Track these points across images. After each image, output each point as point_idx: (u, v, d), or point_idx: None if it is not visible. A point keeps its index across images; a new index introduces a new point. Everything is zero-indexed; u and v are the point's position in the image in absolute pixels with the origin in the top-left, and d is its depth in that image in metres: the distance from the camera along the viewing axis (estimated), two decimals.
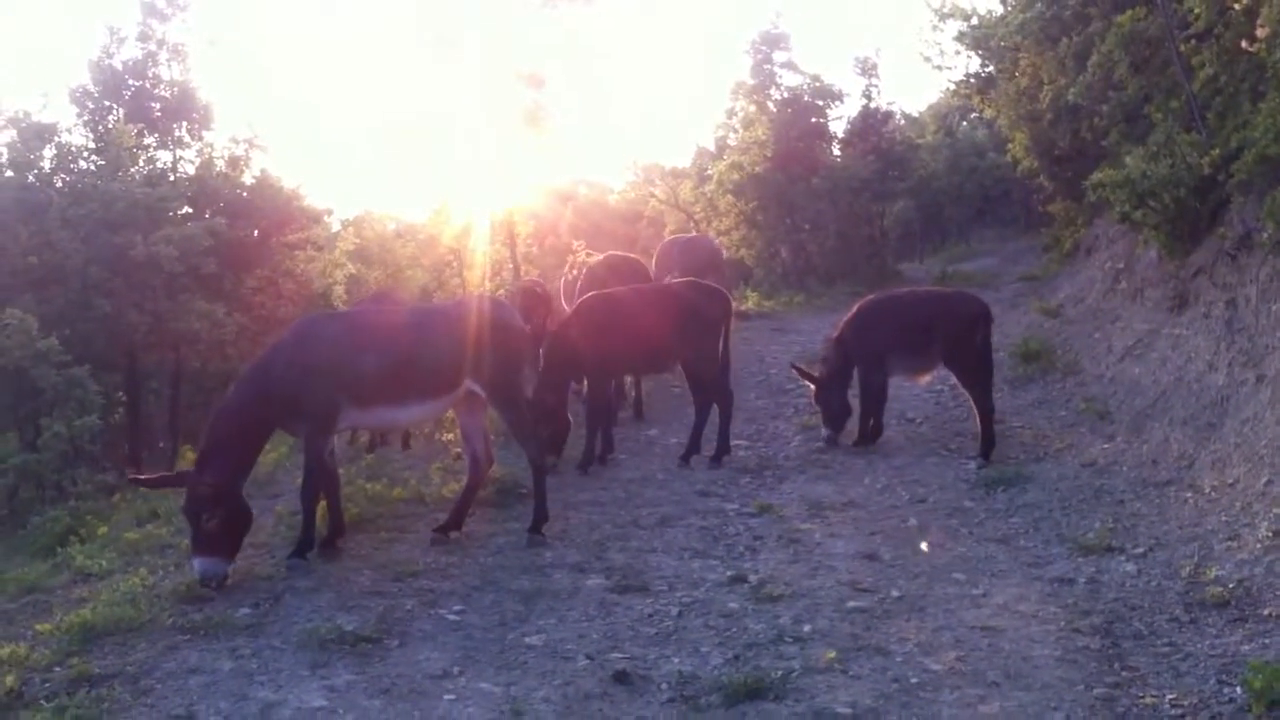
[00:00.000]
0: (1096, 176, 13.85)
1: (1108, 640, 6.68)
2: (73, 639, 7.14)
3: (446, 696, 6.24)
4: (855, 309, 12.53)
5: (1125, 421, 11.29)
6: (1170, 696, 5.84)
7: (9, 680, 6.45)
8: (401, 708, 6.11)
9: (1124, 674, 6.17)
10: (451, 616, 7.54)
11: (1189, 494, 9.00)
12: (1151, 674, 6.16)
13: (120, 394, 22.53)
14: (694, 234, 24.18)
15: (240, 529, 8.42)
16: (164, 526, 10.27)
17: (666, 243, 18.76)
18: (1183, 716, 5.62)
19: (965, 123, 40.46)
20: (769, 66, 28.79)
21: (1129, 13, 14.49)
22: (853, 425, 12.18)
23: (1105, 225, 17.31)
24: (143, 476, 10.07)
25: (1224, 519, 8.26)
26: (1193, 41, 13.12)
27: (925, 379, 12.31)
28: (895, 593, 7.70)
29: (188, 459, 13.55)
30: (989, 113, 24.65)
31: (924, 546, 8.34)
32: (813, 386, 12.34)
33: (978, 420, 11.42)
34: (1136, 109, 15.13)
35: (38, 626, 7.52)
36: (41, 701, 6.23)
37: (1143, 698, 5.85)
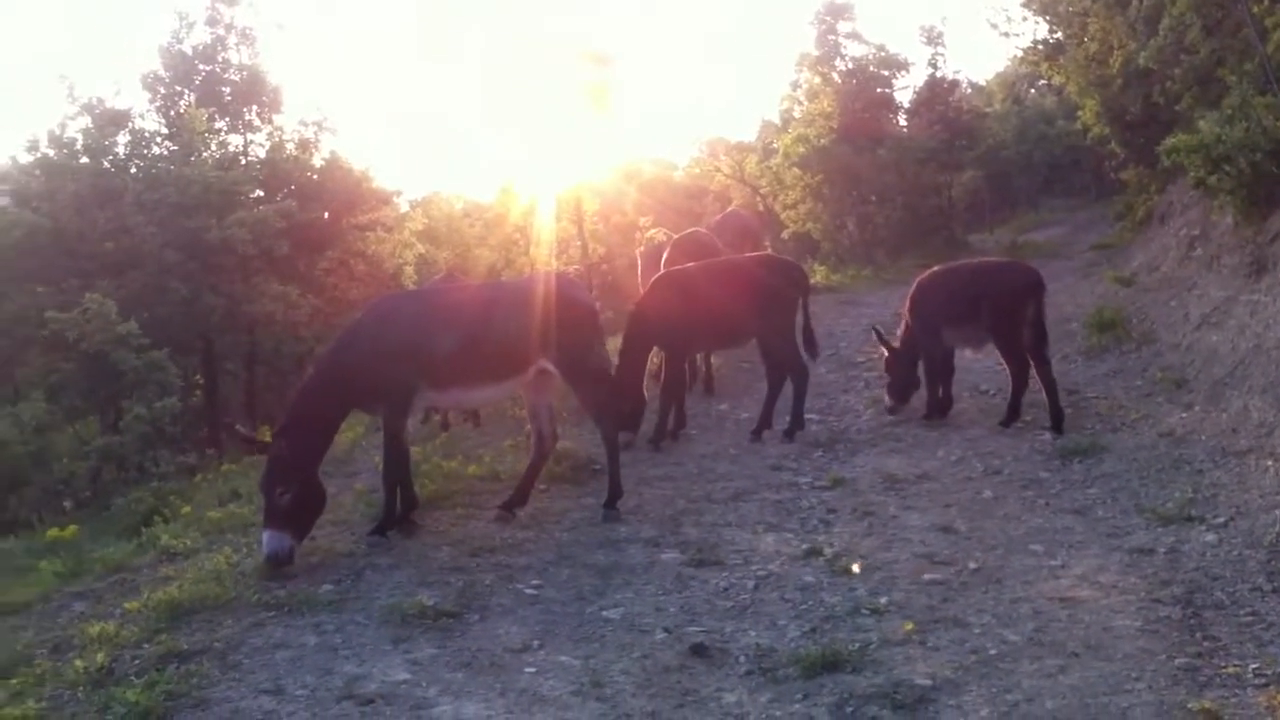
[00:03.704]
0: (1170, 142, 13.65)
1: (1189, 610, 6.61)
2: (160, 616, 7.27)
3: (527, 669, 6.33)
4: (915, 282, 12.52)
5: (1203, 390, 11.14)
6: (1253, 665, 5.78)
7: (99, 657, 6.59)
8: (484, 680, 6.20)
9: (1206, 644, 6.11)
10: (529, 591, 7.62)
11: (1270, 462, 8.86)
12: (1234, 643, 6.09)
13: (198, 376, 22.93)
14: (729, 210, 24.08)
15: (313, 508, 8.49)
16: (246, 505, 10.45)
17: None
18: (1266, 685, 5.56)
19: (1033, 90, 40.08)
20: (833, 37, 28.63)
21: None
22: (922, 398, 12.16)
23: (1179, 191, 17.06)
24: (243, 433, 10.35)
25: None
26: (1266, 2, 12.88)
27: (984, 350, 12.19)
28: (972, 565, 7.67)
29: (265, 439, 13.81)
30: (1058, 79, 24.37)
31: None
32: (886, 353, 12.33)
33: (1044, 393, 11.31)
34: (1209, 72, 14.90)
35: (126, 605, 7.65)
36: (132, 677, 6.37)
37: (1225, 667, 5.79)
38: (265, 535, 8.17)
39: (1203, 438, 10.01)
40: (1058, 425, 11.01)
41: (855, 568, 7.68)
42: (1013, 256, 20.65)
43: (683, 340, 11.82)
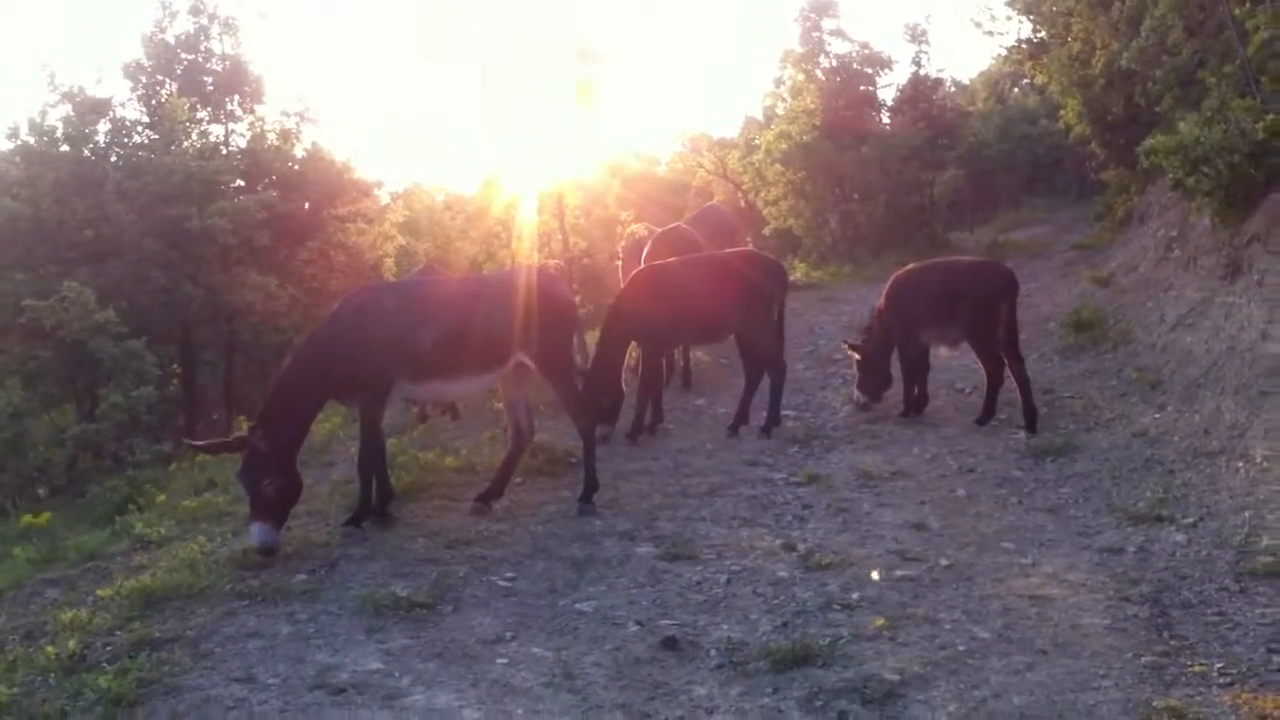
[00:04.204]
0: (1149, 143, 13.69)
1: (1156, 609, 6.68)
2: (133, 604, 7.29)
3: (499, 660, 6.36)
4: (890, 281, 12.62)
5: (1177, 391, 11.22)
6: (1219, 665, 5.84)
7: (71, 644, 6.60)
8: (456, 670, 6.22)
9: (1173, 642, 6.18)
10: (503, 583, 7.66)
11: (1240, 463, 8.94)
12: (1200, 642, 6.16)
13: (175, 365, 22.80)
14: (706, 205, 23.97)
15: (292, 498, 8.56)
16: (221, 495, 10.44)
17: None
18: (1231, 684, 5.62)
19: (1016, 89, 40.13)
20: (818, 34, 28.58)
21: None
22: (898, 396, 12.26)
23: (1158, 193, 17.14)
24: (200, 443, 10.19)
25: (1275, 489, 8.22)
26: (1247, 5, 12.95)
27: (959, 348, 12.29)
28: (944, 561, 7.73)
29: (243, 429, 13.79)
30: (1041, 79, 24.38)
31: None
32: (858, 357, 12.42)
33: (1018, 391, 11.41)
34: (1190, 74, 14.95)
35: (99, 592, 7.67)
36: (104, 664, 6.38)
37: (1191, 666, 5.85)
38: (255, 527, 8.20)
39: (1175, 438, 10.09)
40: (1031, 424, 11.09)
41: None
42: (993, 255, 20.74)
43: (660, 335, 11.84)
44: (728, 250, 13.71)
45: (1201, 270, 13.30)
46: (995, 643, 6.30)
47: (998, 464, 10.21)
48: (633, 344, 12.18)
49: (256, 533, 8.17)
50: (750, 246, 17.25)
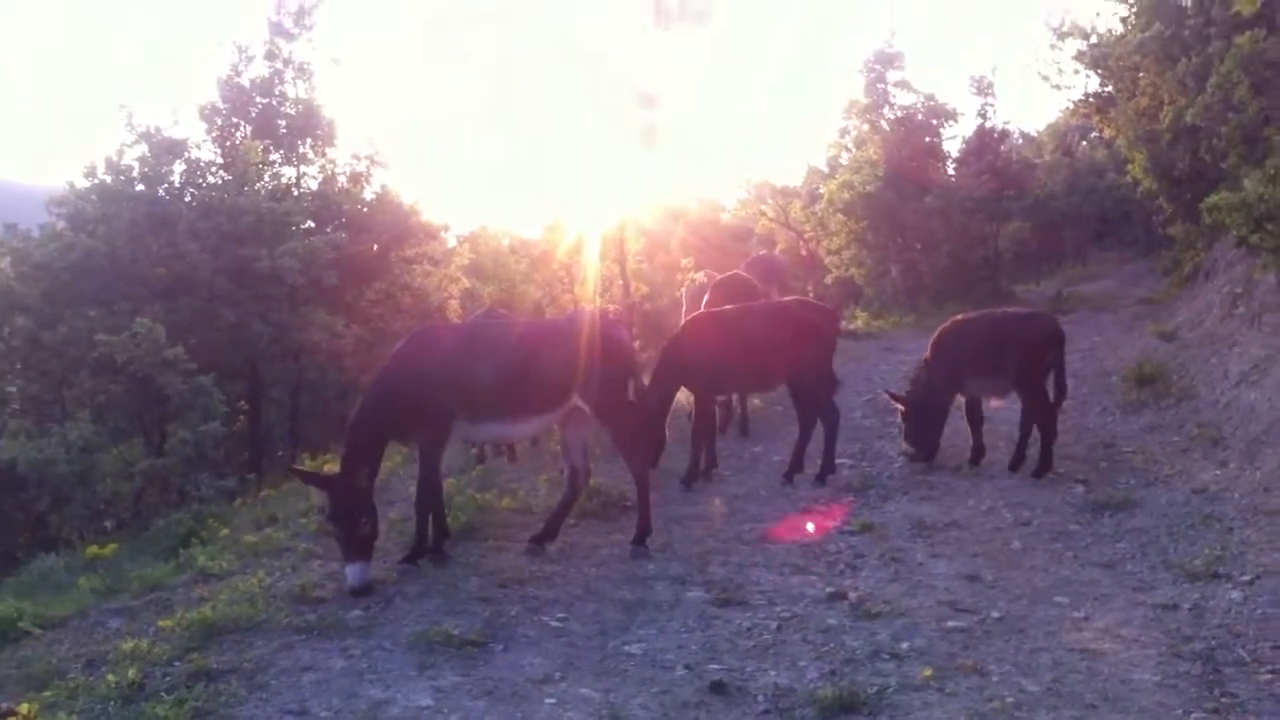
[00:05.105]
0: (1212, 199, 13.62)
1: (1209, 666, 6.60)
2: (193, 635, 7.42)
3: (548, 700, 6.40)
4: (937, 332, 12.67)
5: (1239, 447, 11.11)
6: None
7: (131, 673, 6.71)
8: (504, 709, 6.28)
9: (1223, 700, 6.10)
10: (554, 623, 7.71)
11: None
12: (1252, 700, 6.08)
13: (242, 402, 23.15)
14: (758, 254, 24.09)
15: (376, 535, 8.77)
16: (281, 530, 10.62)
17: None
18: None
19: (1084, 142, 39.94)
20: (882, 85, 28.74)
21: (1248, 34, 14.30)
22: (956, 448, 12.25)
23: (1224, 249, 17.03)
24: (302, 470, 10.44)
25: None
26: None
27: (1005, 399, 12.29)
28: (995, 614, 7.68)
29: (308, 466, 13.98)
30: (1108, 132, 24.34)
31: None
32: (902, 408, 12.42)
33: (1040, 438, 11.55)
34: (1255, 131, 14.89)
35: (160, 623, 7.79)
36: (162, 694, 6.48)
37: None
38: (353, 568, 8.36)
39: (1235, 495, 9.98)
40: (1015, 466, 11.64)
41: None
42: (1058, 308, 20.69)
43: (710, 380, 11.90)
44: (782, 298, 13.78)
45: (1266, 327, 13.19)
46: (1044, 696, 6.26)
47: (1054, 517, 10.13)
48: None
49: (356, 573, 8.33)
50: (809, 294, 17.34)
